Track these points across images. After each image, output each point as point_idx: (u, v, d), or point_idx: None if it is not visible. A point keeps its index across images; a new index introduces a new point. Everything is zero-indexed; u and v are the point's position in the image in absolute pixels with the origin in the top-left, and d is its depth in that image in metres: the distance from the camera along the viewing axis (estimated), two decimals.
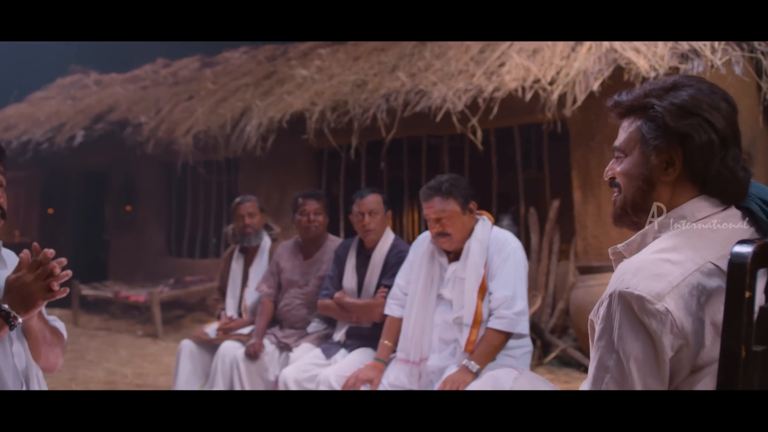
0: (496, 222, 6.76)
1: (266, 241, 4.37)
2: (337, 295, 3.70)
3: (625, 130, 1.59)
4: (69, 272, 2.00)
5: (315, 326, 3.92)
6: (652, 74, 5.63)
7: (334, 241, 4.06)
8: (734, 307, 1.28)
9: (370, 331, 3.60)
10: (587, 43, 6.22)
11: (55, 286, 1.94)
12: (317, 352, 3.64)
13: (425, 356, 3.19)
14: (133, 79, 11.72)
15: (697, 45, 5.77)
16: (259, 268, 4.29)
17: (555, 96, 5.98)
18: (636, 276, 1.40)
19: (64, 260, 1.99)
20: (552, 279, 6.41)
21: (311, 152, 8.13)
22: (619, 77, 5.84)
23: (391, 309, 3.42)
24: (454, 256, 3.25)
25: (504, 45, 6.80)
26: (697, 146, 1.47)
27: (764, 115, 9.37)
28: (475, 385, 2.02)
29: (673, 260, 1.42)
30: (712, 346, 1.38)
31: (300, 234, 4.05)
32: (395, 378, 3.20)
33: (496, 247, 3.18)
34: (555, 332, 6.16)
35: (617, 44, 6.01)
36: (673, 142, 1.49)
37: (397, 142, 7.30)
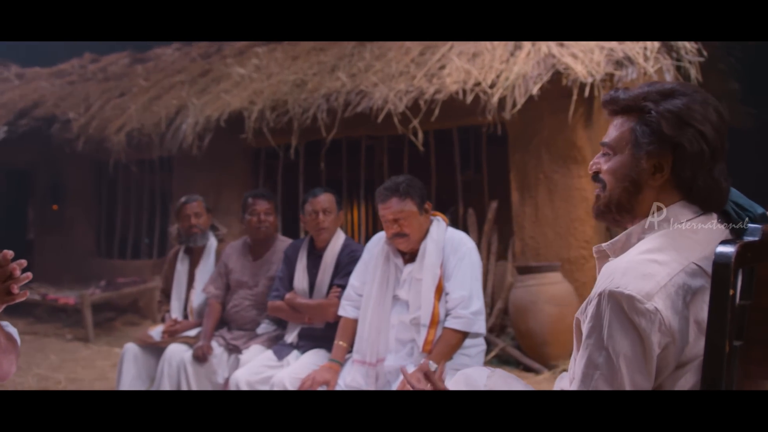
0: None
1: (212, 242, 4.29)
2: (288, 296, 3.67)
3: (617, 128, 1.63)
4: (29, 274, 1.93)
5: (265, 327, 3.87)
6: (589, 80, 5.80)
7: (283, 242, 4.03)
8: (719, 304, 1.34)
9: (323, 332, 3.58)
10: (526, 48, 6.35)
11: (15, 289, 1.87)
12: (269, 354, 3.60)
13: (382, 357, 3.19)
14: (59, 73, 11.30)
15: (631, 52, 5.97)
16: (206, 269, 4.21)
17: (495, 99, 6.08)
18: (625, 276, 1.44)
19: (24, 262, 1.91)
20: (490, 279, 6.51)
21: (248, 152, 8.03)
22: (557, 82, 5.99)
23: (345, 310, 3.41)
24: (409, 257, 3.27)
25: (444, 48, 6.88)
26: (687, 156, 1.52)
27: None
28: (448, 385, 2.03)
29: (659, 261, 1.47)
30: (695, 343, 1.44)
31: (250, 234, 4.00)
32: (352, 379, 3.19)
33: (452, 248, 3.22)
34: (494, 331, 6.26)
35: (555, 49, 6.16)
36: (665, 148, 1.54)
37: (335, 143, 7.28)
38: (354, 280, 3.43)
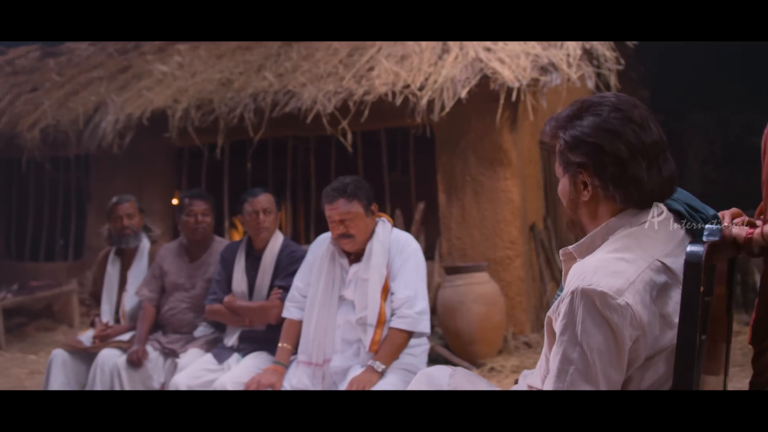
0: None
1: (145, 244, 4.17)
2: (226, 299, 3.61)
3: (556, 157, 1.75)
4: None
5: (202, 330, 3.80)
6: (516, 84, 5.96)
7: (221, 243, 3.96)
8: (690, 300, 1.42)
9: (264, 335, 3.54)
10: (454, 52, 6.46)
11: None
12: (208, 358, 3.53)
13: (328, 358, 3.18)
14: None
15: (555, 59, 6.17)
16: (138, 271, 4.08)
17: (424, 101, 6.16)
18: (596, 274, 1.51)
19: None
20: None
21: (171, 151, 7.84)
22: (485, 86, 6.12)
23: (289, 311, 3.38)
24: (355, 257, 3.27)
25: (372, 49, 6.92)
26: (596, 169, 1.62)
27: None
28: (412, 385, 2.04)
29: (627, 259, 1.54)
30: (661, 336, 1.53)
31: (186, 236, 3.91)
32: (298, 381, 3.17)
33: (397, 248, 3.25)
34: None
35: (482, 54, 6.30)
36: (577, 169, 1.65)
37: (261, 143, 7.20)
38: (298, 281, 3.41)
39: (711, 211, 1.78)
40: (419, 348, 3.28)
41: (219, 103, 6.92)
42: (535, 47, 6.28)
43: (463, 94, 6.05)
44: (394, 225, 3.40)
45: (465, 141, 6.56)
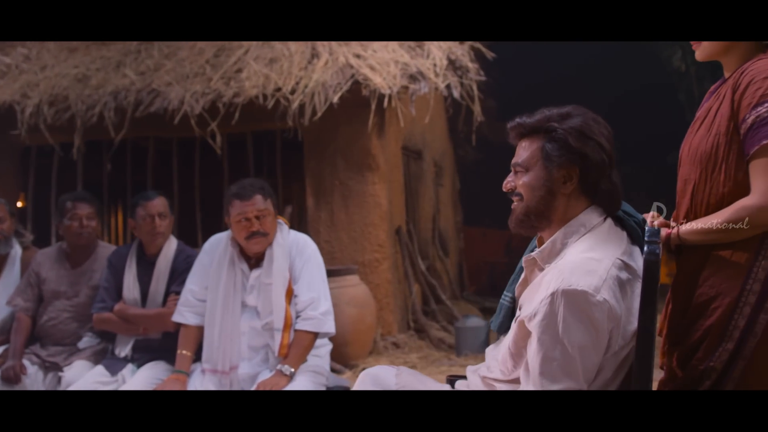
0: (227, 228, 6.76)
1: (17, 250, 3.88)
2: (117, 307, 3.45)
3: (527, 149, 1.85)
4: None
5: (87, 341, 3.59)
6: (387, 91, 6.11)
7: (106, 248, 3.76)
8: (650, 295, 1.59)
9: (160, 343, 3.42)
10: (324, 57, 6.52)
11: None
12: (100, 370, 3.35)
13: (234, 365, 3.14)
14: None
15: (423, 68, 6.40)
16: (10, 280, 3.78)
17: (295, 105, 6.17)
18: (573, 274, 1.65)
19: None
20: None
21: (16, 150, 7.28)
22: (356, 92, 6.22)
23: (184, 317, 3.28)
24: (255, 261, 3.24)
25: (240, 50, 6.81)
26: (591, 165, 1.78)
27: (451, 134, 10.62)
28: (357, 386, 2.08)
29: (596, 258, 1.70)
30: (629, 327, 1.69)
31: (69, 241, 3.68)
32: (204, 389, 3.10)
33: (297, 250, 3.26)
34: None
35: (353, 60, 6.40)
36: (573, 159, 1.78)
37: (119, 143, 6.87)
38: (192, 284, 3.31)
39: (640, 216, 1.98)
40: (323, 349, 3.32)
41: (75, 100, 6.52)
42: (403, 56, 6.48)
43: (336, 99, 6.12)
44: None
45: (334, 145, 6.64)
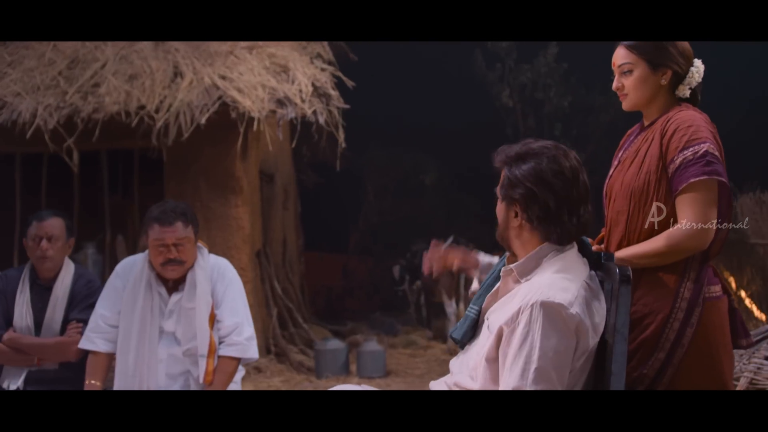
0: (80, 250, 6.40)
1: None
2: (7, 336, 3.18)
3: (500, 180, 2.07)
4: None
5: None
6: (256, 114, 6.12)
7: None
8: (624, 309, 1.86)
9: (57, 374, 3.20)
10: (188, 76, 6.40)
11: None
12: None
13: None
14: None
15: (290, 93, 6.47)
16: None
17: (160, 124, 6.00)
18: (551, 289, 1.86)
19: None
20: None
21: None
22: (223, 114, 6.17)
23: (94, 343, 3.10)
24: (173, 285, 3.16)
25: (96, 64, 6.50)
26: (526, 208, 1.99)
27: (294, 158, 10.70)
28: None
29: (569, 278, 1.93)
30: (591, 341, 1.91)
31: None
32: None
33: (218, 274, 3.21)
34: None
35: (219, 82, 6.35)
36: (512, 201, 2.01)
37: None
38: (104, 310, 3.14)
39: (587, 240, 2.22)
40: (239, 374, 3.28)
41: None
42: (270, 80, 6.52)
43: (203, 120, 6.03)
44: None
45: (197, 166, 6.52)
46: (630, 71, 2.35)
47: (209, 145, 6.42)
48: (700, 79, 2.37)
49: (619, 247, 2.33)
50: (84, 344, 3.12)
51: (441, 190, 13.34)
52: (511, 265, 2.03)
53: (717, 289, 2.30)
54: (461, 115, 13.19)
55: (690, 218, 2.18)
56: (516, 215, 2.00)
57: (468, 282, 8.93)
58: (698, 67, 2.37)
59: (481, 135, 13.20)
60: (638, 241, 2.29)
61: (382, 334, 9.04)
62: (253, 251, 6.76)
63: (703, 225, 2.18)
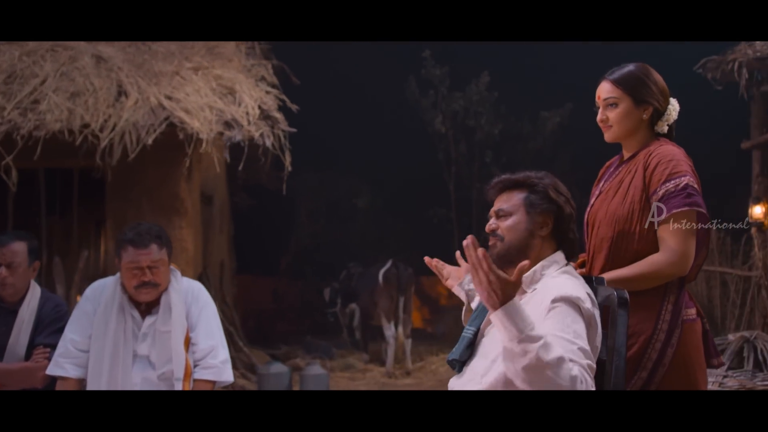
0: None
1: None
2: None
3: (509, 199, 2.19)
4: None
5: None
6: (204, 136, 6.06)
7: None
8: (623, 323, 2.02)
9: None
10: (133, 95, 6.28)
11: None
12: None
13: None
14: None
15: (238, 115, 6.44)
16: None
17: (105, 143, 5.86)
18: (564, 287, 2.02)
19: None
20: None
21: None
22: (169, 134, 6.07)
23: (64, 369, 2.99)
24: (146, 308, 3.10)
25: (35, 80, 6.30)
26: (563, 216, 2.15)
27: (228, 180, 10.57)
28: None
29: (576, 281, 2.10)
30: (597, 339, 2.05)
31: None
32: None
33: (193, 297, 3.18)
34: None
35: (166, 102, 6.26)
36: (550, 209, 2.14)
37: None
38: (74, 334, 3.04)
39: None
40: None
41: None
42: (217, 102, 6.47)
43: (150, 140, 5.93)
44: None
45: (140, 187, 6.40)
46: (615, 105, 2.51)
47: (154, 165, 6.31)
48: (676, 116, 2.55)
49: (602, 271, 2.47)
50: (53, 370, 3.02)
51: (373, 213, 13.45)
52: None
53: (692, 312, 2.46)
54: (394, 139, 13.39)
55: (672, 246, 2.35)
56: (543, 225, 2.13)
57: (406, 305, 9.05)
58: (675, 106, 2.55)
59: (414, 160, 13.46)
60: (621, 266, 2.43)
61: (318, 358, 9.02)
62: (196, 274, 6.65)
63: (683, 252, 2.34)
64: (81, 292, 6.17)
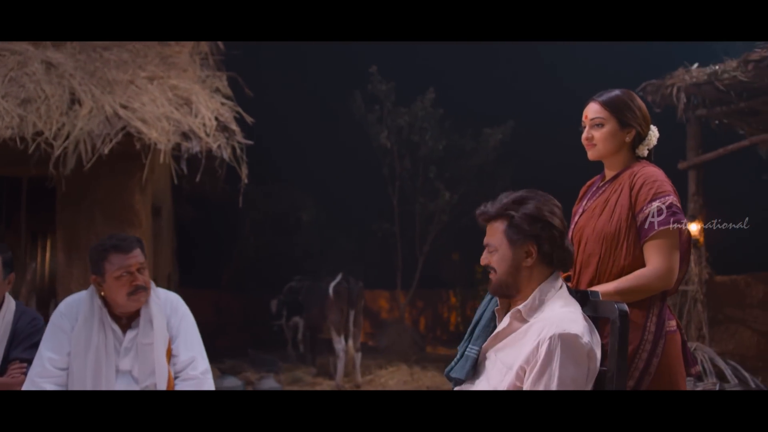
0: None
1: None
2: None
3: (494, 232, 2.26)
4: None
5: None
6: (161, 146, 5.97)
7: None
8: (623, 341, 2.09)
9: None
10: (87, 104, 6.15)
11: None
12: None
13: None
14: None
15: (195, 126, 6.38)
16: None
17: (59, 152, 5.72)
18: (563, 322, 2.08)
19: None
20: None
21: None
22: (125, 144, 5.97)
23: (43, 388, 2.92)
24: (126, 322, 3.06)
25: None
26: (544, 241, 2.22)
27: (173, 192, 10.41)
28: None
29: (574, 311, 2.16)
30: (598, 363, 2.13)
31: None
32: None
33: (171, 308, 3.16)
34: None
35: (121, 111, 6.15)
36: (529, 239, 2.21)
37: None
38: (50, 353, 2.96)
39: None
40: None
41: None
42: (174, 112, 6.40)
43: (106, 150, 5.82)
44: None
45: (92, 197, 6.25)
46: (601, 125, 2.64)
47: (108, 175, 6.17)
48: (656, 142, 2.71)
49: (589, 285, 2.58)
50: (29, 388, 2.94)
51: (317, 227, 13.43)
52: (519, 306, 2.21)
53: (673, 323, 2.60)
54: (339, 153, 13.43)
55: (657, 261, 2.48)
56: (528, 255, 2.19)
57: (356, 319, 9.07)
58: (654, 132, 2.72)
59: (359, 174, 13.53)
60: (608, 281, 2.55)
61: (266, 372, 8.94)
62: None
63: (669, 267, 2.48)
64: (28, 305, 5.99)
